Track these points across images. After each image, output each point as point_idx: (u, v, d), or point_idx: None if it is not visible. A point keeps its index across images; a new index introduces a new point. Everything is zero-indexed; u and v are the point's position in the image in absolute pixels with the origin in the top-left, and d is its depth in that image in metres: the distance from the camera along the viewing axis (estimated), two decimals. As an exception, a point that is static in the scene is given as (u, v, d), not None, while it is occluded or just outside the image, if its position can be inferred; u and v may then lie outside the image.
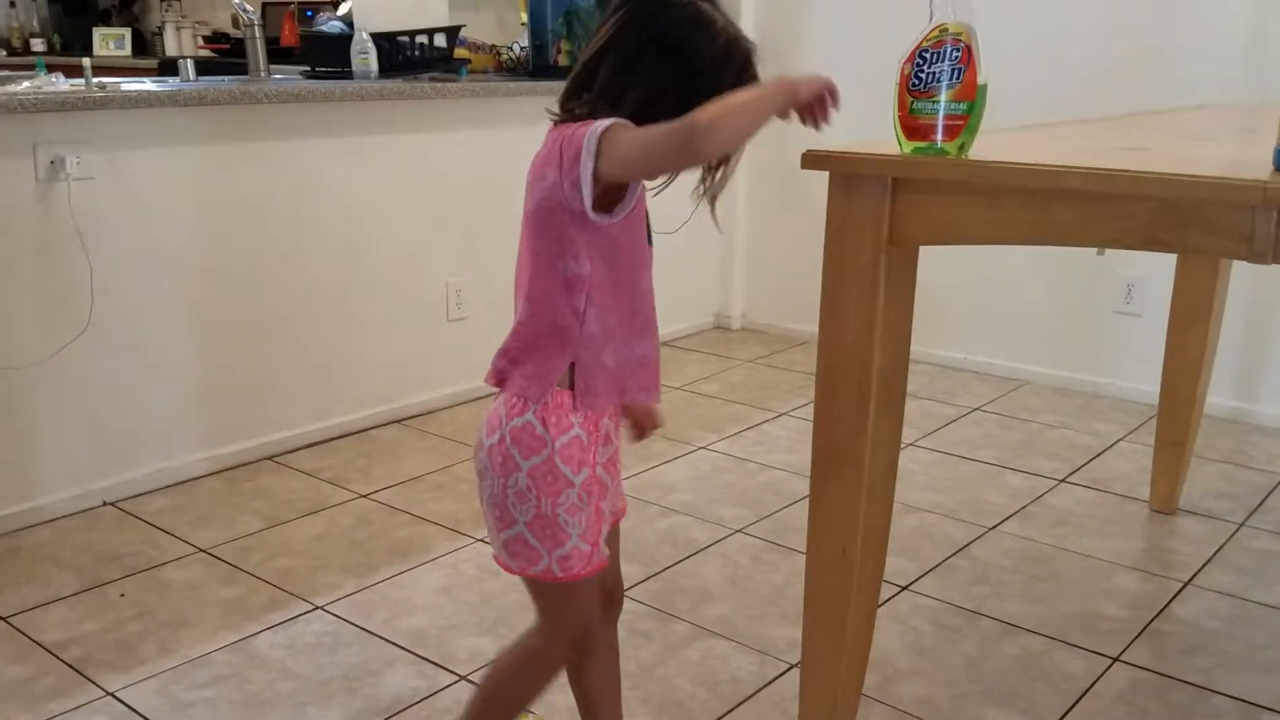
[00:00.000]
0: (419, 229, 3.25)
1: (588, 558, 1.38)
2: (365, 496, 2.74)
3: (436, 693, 1.90)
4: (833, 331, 1.49)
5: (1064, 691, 1.93)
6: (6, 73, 3.06)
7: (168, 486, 2.76)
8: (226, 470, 2.88)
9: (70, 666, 1.97)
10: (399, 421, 3.25)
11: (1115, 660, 2.02)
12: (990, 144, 1.40)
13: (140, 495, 2.71)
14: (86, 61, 2.73)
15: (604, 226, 1.30)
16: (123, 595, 2.24)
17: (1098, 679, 1.96)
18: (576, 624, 1.44)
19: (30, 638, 2.07)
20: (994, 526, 2.59)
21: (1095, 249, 2.33)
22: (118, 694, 1.89)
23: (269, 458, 2.97)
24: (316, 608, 2.19)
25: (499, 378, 1.42)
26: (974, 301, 3.74)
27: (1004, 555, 2.45)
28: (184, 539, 2.50)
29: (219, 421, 2.88)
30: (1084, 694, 1.92)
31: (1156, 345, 2.58)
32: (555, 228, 1.33)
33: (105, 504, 2.66)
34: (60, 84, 2.58)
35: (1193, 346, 2.46)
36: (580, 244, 1.31)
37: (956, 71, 1.32)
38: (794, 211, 3.99)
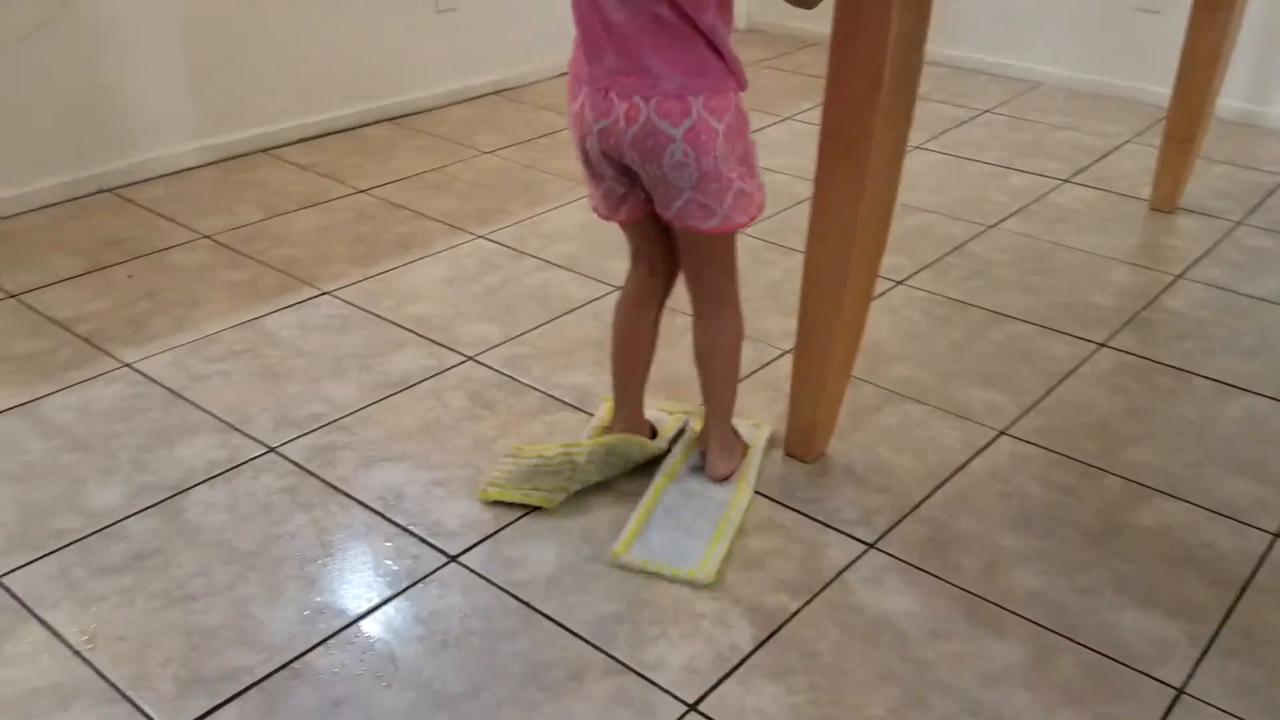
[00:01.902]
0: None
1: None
2: (363, 192, 2.72)
3: (446, 370, 1.97)
4: (848, 3, 1.42)
5: (1047, 373, 2.00)
6: None
7: (163, 175, 2.74)
8: (221, 161, 2.85)
9: (84, 340, 2.03)
10: (390, 119, 3.18)
11: (1101, 345, 2.09)
12: None
13: (136, 183, 2.69)
14: None
15: None
16: (130, 276, 2.27)
17: (1082, 362, 2.04)
18: (736, 268, 1.59)
19: (41, 314, 2.11)
20: (993, 225, 2.60)
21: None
22: (134, 365, 1.95)
23: (262, 150, 2.92)
24: (324, 293, 2.23)
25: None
26: (991, -2, 3.58)
27: (1000, 251, 2.47)
28: (186, 225, 2.50)
29: (209, 111, 2.81)
30: (1067, 375, 2.00)
31: (1174, 45, 2.49)
32: None
33: (100, 191, 2.64)
34: None
35: (1212, 36, 2.38)
36: None
37: None
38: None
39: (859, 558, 1.54)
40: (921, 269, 2.38)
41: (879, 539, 1.58)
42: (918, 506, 1.65)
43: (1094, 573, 1.52)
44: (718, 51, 1.39)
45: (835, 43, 1.46)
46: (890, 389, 1.94)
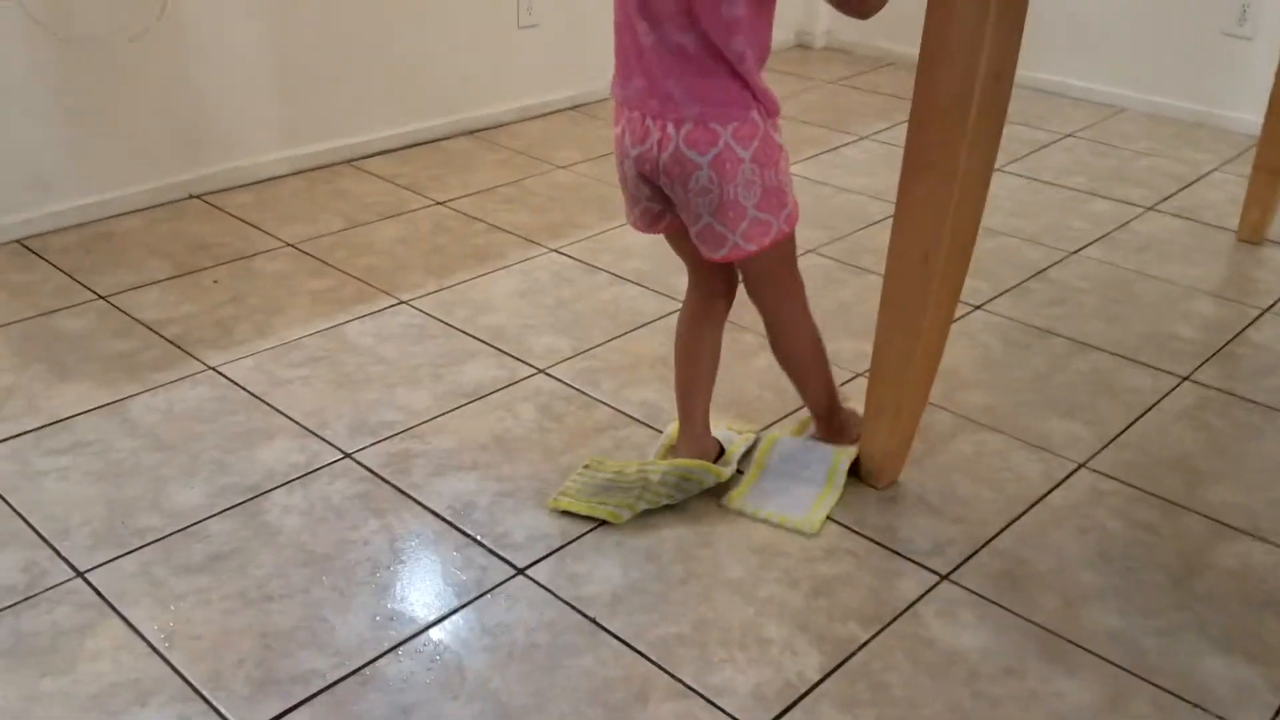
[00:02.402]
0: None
1: (796, 206, 1.55)
2: (441, 204, 2.76)
3: (517, 382, 1.98)
4: (939, 20, 1.41)
5: (1129, 405, 1.96)
6: None
7: (251, 183, 2.81)
8: (306, 171, 2.91)
9: (171, 342, 2.09)
10: (469, 133, 3.22)
11: (1185, 379, 2.04)
12: None
13: (224, 190, 2.76)
14: None
15: None
16: (216, 282, 2.33)
17: (1165, 395, 1.99)
18: (795, 265, 1.62)
19: (130, 315, 2.18)
20: (1075, 251, 2.56)
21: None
22: (219, 368, 2.00)
23: (346, 161, 2.98)
24: (401, 302, 2.26)
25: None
26: (1076, 18, 3.52)
27: (1082, 279, 2.43)
28: (271, 233, 2.56)
29: (297, 121, 2.88)
30: (1149, 409, 1.95)
31: (1265, 72, 2.42)
32: None
33: (191, 196, 2.72)
34: None
35: (1311, 65, 2.31)
36: None
37: None
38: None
39: (931, 589, 1.51)
40: (1001, 294, 2.34)
41: (953, 571, 1.55)
42: (993, 539, 1.62)
43: (1173, 614, 1.48)
44: (743, 79, 1.41)
45: (923, 64, 1.44)
46: (967, 416, 1.91)
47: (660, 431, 1.84)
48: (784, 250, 1.57)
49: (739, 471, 1.73)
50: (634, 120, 1.46)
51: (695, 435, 1.73)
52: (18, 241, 2.46)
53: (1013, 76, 1.51)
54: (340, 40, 2.89)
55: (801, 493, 1.68)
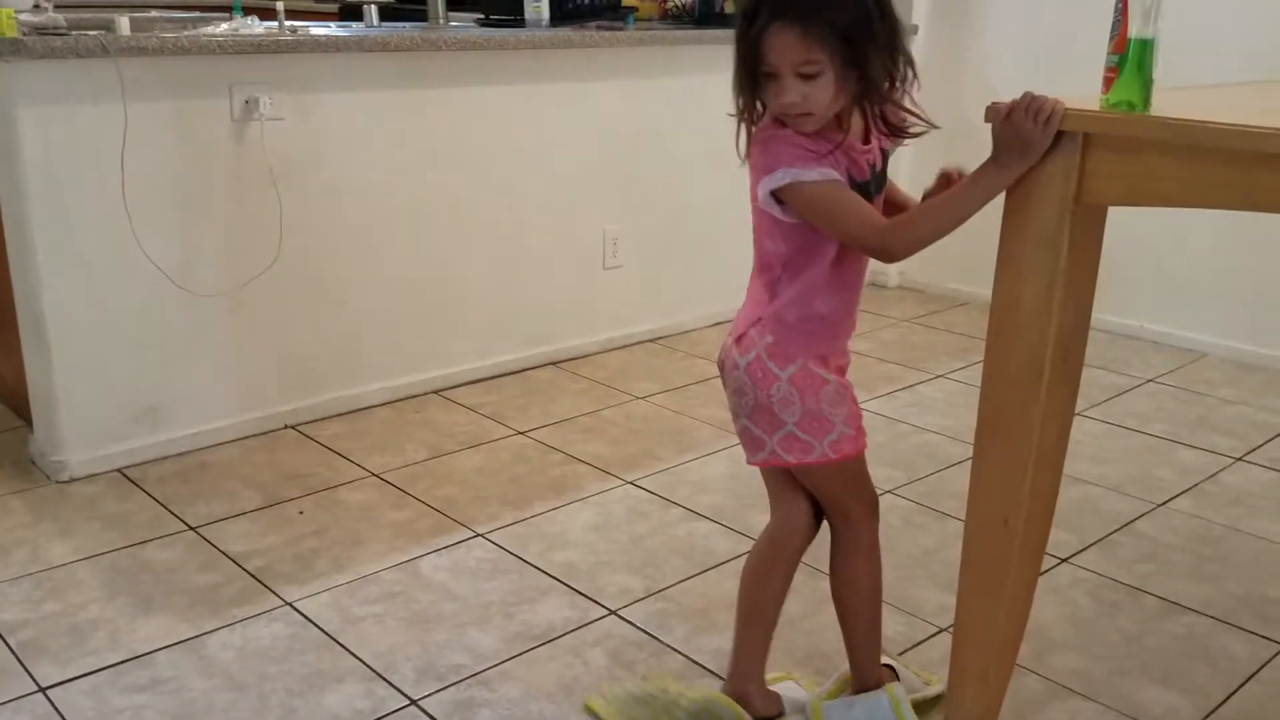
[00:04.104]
0: (580, 177, 3.30)
1: (854, 440, 1.56)
2: (522, 434, 2.83)
3: (588, 624, 1.97)
4: (1009, 293, 1.44)
5: (1227, 674, 1.85)
6: (205, 14, 3.24)
7: (344, 414, 2.92)
8: (397, 401, 3.02)
9: (252, 576, 2.13)
10: (554, 364, 3.33)
11: (1288, 648, 1.94)
12: (1190, 100, 1.33)
13: (318, 420, 2.88)
14: (280, 4, 2.86)
15: None
16: (301, 513, 2.39)
17: (1265, 664, 1.88)
18: (862, 495, 1.63)
19: (217, 548, 2.24)
20: (1163, 503, 2.49)
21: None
22: (295, 604, 2.03)
23: (435, 391, 3.10)
24: (477, 535, 2.29)
25: None
26: (1154, 265, 3.56)
27: (1172, 533, 2.35)
28: (358, 463, 2.64)
29: (392, 355, 3.02)
30: (1249, 678, 1.84)
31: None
32: None
33: (286, 427, 2.83)
34: (255, 27, 2.72)
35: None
36: None
37: (1115, 23, 1.32)
38: (961, 163, 3.87)
39: None
40: (1087, 547, 2.28)
41: None
42: (1086, 825, 1.51)
43: None
44: (775, 293, 1.51)
45: (993, 333, 1.47)
46: (1058, 681, 1.83)
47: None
48: (841, 474, 1.59)
49: None
50: None
51: (740, 673, 1.70)
52: (119, 470, 2.58)
53: (1084, 345, 1.53)
54: (437, 281, 3.06)
55: None
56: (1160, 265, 3.56)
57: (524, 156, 3.15)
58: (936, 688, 1.75)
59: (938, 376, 3.29)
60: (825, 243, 1.46)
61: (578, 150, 3.27)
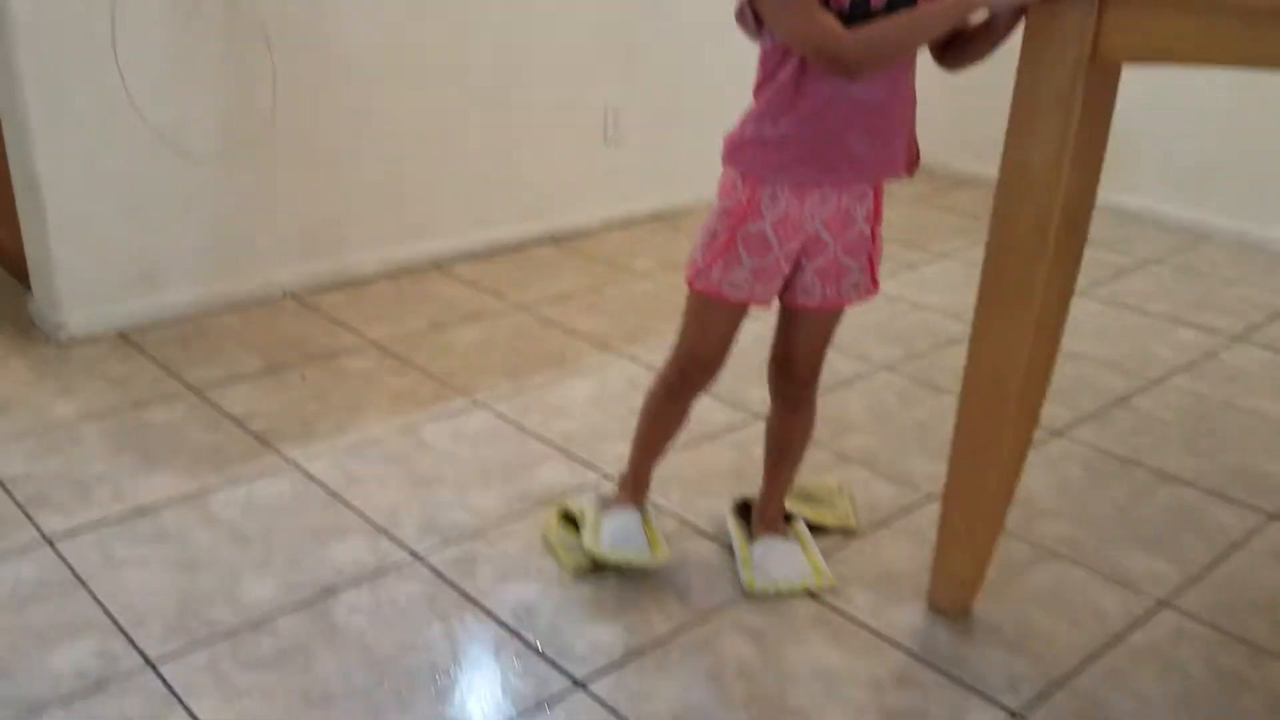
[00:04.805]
0: (580, 46, 3.22)
1: (718, 285, 1.57)
2: (522, 308, 2.82)
3: (586, 488, 1.99)
4: (1018, 155, 1.42)
5: (1215, 542, 1.89)
6: None
7: (342, 285, 2.91)
8: (394, 273, 3.01)
9: (255, 436, 2.15)
10: (554, 240, 3.31)
11: (1273, 518, 1.96)
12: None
13: (317, 290, 2.87)
14: None
15: None
16: (303, 378, 2.40)
17: (1252, 534, 1.92)
18: (689, 344, 1.66)
19: (219, 409, 2.25)
20: (1160, 379, 2.51)
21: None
22: (299, 463, 2.05)
23: (433, 264, 3.08)
24: (477, 404, 2.30)
25: None
26: (1163, 145, 3.51)
27: (1167, 408, 2.37)
28: (358, 331, 2.65)
29: (388, 226, 2.99)
30: (1236, 547, 1.88)
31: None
32: None
33: (285, 295, 2.83)
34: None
35: None
36: None
37: None
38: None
39: (1002, 727, 1.46)
40: (1082, 421, 2.30)
41: (1026, 708, 1.49)
42: (1070, 677, 1.56)
43: (1264, 770, 1.40)
44: (749, 110, 1.49)
45: (1001, 195, 1.46)
46: (1045, 546, 1.86)
47: (727, 544, 1.82)
48: (693, 307, 1.64)
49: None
50: None
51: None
52: (119, 333, 2.58)
53: (1091, 210, 1.51)
54: (434, 149, 3.01)
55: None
56: (1169, 145, 3.51)
57: (522, 19, 3.07)
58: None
59: (939, 256, 3.27)
60: (788, 60, 1.42)
61: (579, 14, 3.18)
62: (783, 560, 1.75)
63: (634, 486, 1.81)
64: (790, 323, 1.67)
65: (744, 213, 1.52)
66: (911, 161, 1.55)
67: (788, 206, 1.51)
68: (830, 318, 1.65)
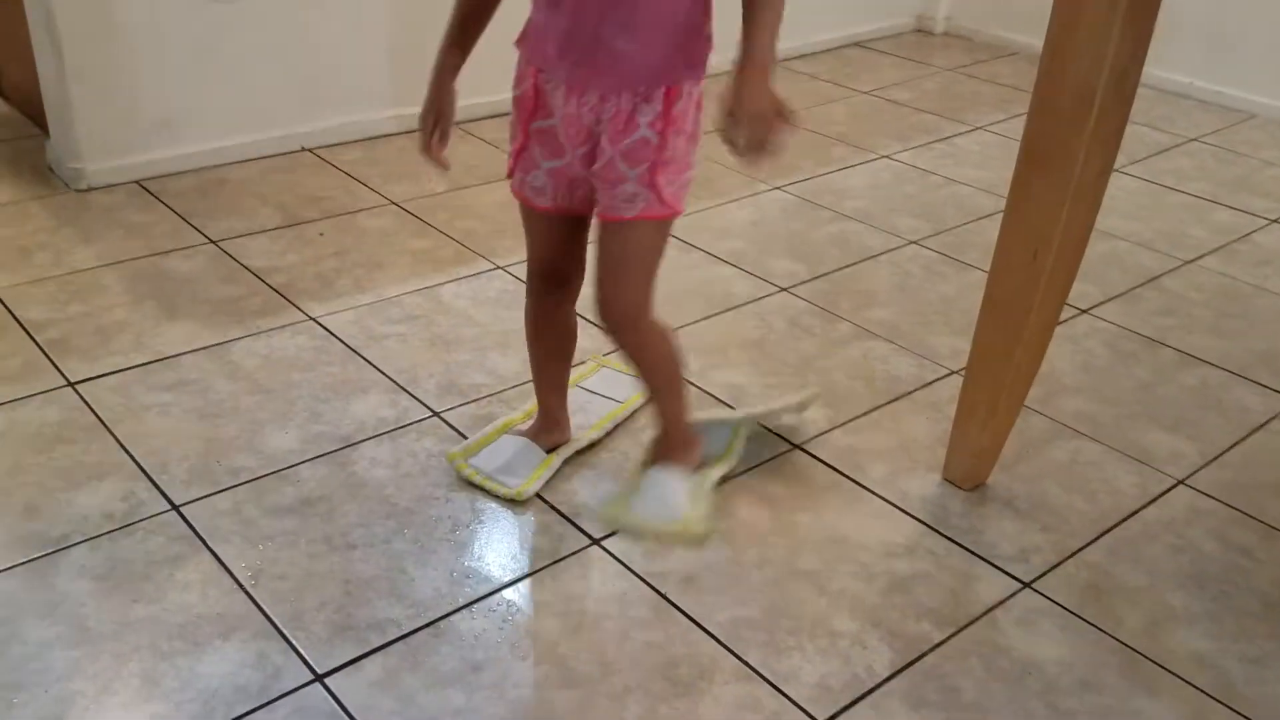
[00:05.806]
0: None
1: (515, 185, 1.52)
2: (544, 169, 2.77)
3: (609, 355, 1.99)
4: (1068, 13, 1.36)
5: (1237, 423, 1.88)
6: None
7: (360, 140, 2.86)
8: (413, 131, 2.94)
9: (275, 290, 2.14)
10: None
11: (1299, 402, 1.95)
12: None
13: (335, 145, 2.82)
14: None
15: None
16: (322, 234, 2.38)
17: (1275, 416, 1.90)
18: (526, 251, 1.58)
19: (239, 261, 2.24)
20: (1191, 260, 2.46)
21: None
22: (319, 319, 2.05)
23: (455, 124, 3.01)
24: (497, 267, 2.29)
25: None
26: (1208, 20, 3.36)
27: (1196, 290, 2.33)
28: (377, 190, 2.61)
29: (407, 82, 2.91)
30: (1258, 428, 1.87)
31: None
32: None
33: (303, 149, 2.78)
34: None
35: None
36: None
37: None
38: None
39: (1012, 596, 1.48)
40: (1109, 299, 2.27)
41: (1036, 579, 1.51)
42: (1081, 550, 1.57)
43: (1265, 642, 1.42)
44: None
45: (1047, 56, 1.40)
46: (1064, 423, 1.86)
47: (739, 411, 1.83)
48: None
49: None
50: None
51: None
52: (138, 182, 2.55)
53: (1139, 75, 1.45)
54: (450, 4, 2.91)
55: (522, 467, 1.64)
56: (1214, 21, 3.36)
57: None
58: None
59: (977, 128, 3.18)
60: None
61: None
62: (655, 496, 1.56)
63: (539, 412, 1.70)
64: (598, 247, 1.47)
65: (533, 107, 1.45)
66: (694, 64, 1.38)
67: (565, 102, 1.40)
68: (618, 239, 1.41)
